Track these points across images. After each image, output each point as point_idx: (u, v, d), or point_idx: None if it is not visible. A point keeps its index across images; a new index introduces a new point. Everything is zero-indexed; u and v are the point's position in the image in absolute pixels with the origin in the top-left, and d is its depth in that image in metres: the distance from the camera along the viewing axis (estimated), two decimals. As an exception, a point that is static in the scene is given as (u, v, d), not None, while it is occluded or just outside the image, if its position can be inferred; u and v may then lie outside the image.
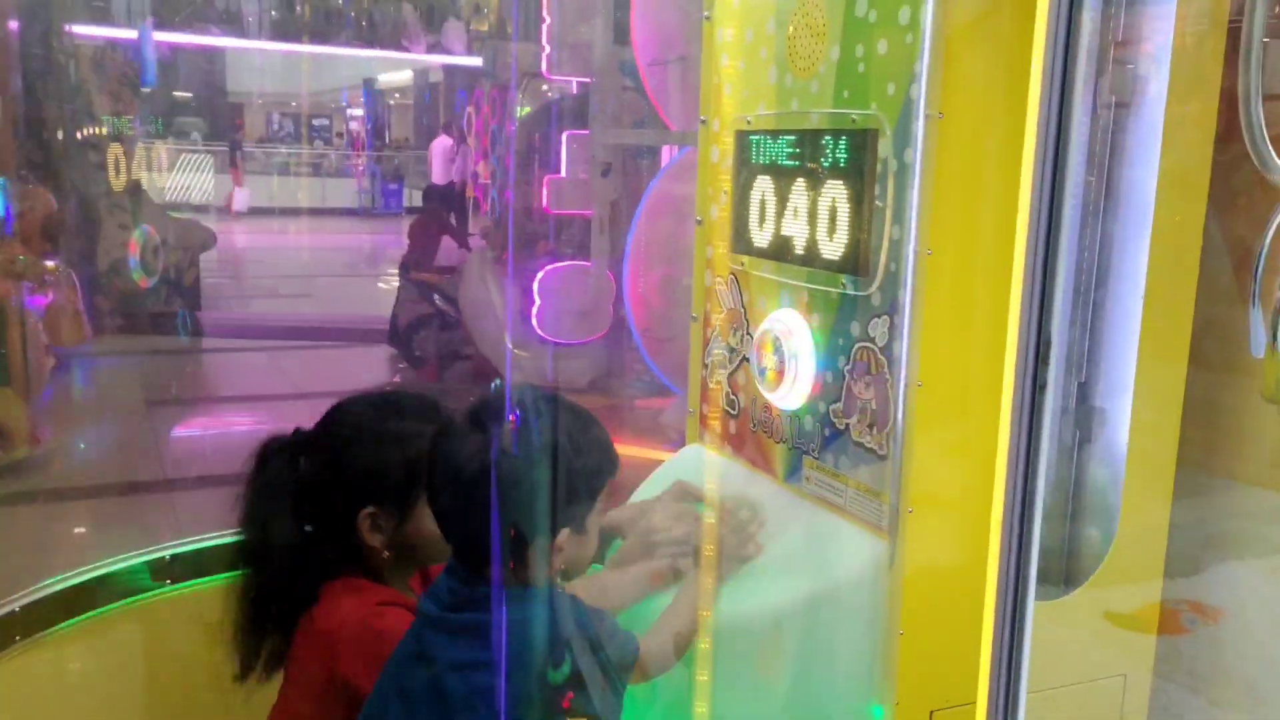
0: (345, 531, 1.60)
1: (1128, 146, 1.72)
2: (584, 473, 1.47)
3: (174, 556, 2.03)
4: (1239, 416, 1.97)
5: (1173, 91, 1.63)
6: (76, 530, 4.74)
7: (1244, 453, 2.02)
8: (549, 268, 3.42)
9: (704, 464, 2.03)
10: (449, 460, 1.41)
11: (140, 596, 1.99)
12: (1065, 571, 1.95)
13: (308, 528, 1.61)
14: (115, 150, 4.08)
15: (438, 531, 1.53)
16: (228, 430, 5.64)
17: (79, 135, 5.78)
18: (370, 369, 7.20)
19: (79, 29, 6.90)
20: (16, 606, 1.83)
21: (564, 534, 1.42)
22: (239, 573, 1.72)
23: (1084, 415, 1.84)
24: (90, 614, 1.93)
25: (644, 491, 2.02)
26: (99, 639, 1.93)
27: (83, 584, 1.93)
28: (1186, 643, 2.01)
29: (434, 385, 6.69)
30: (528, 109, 7.09)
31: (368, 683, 1.47)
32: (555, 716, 1.41)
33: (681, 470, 2.06)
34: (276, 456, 1.64)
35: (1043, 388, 0.85)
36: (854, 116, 1.61)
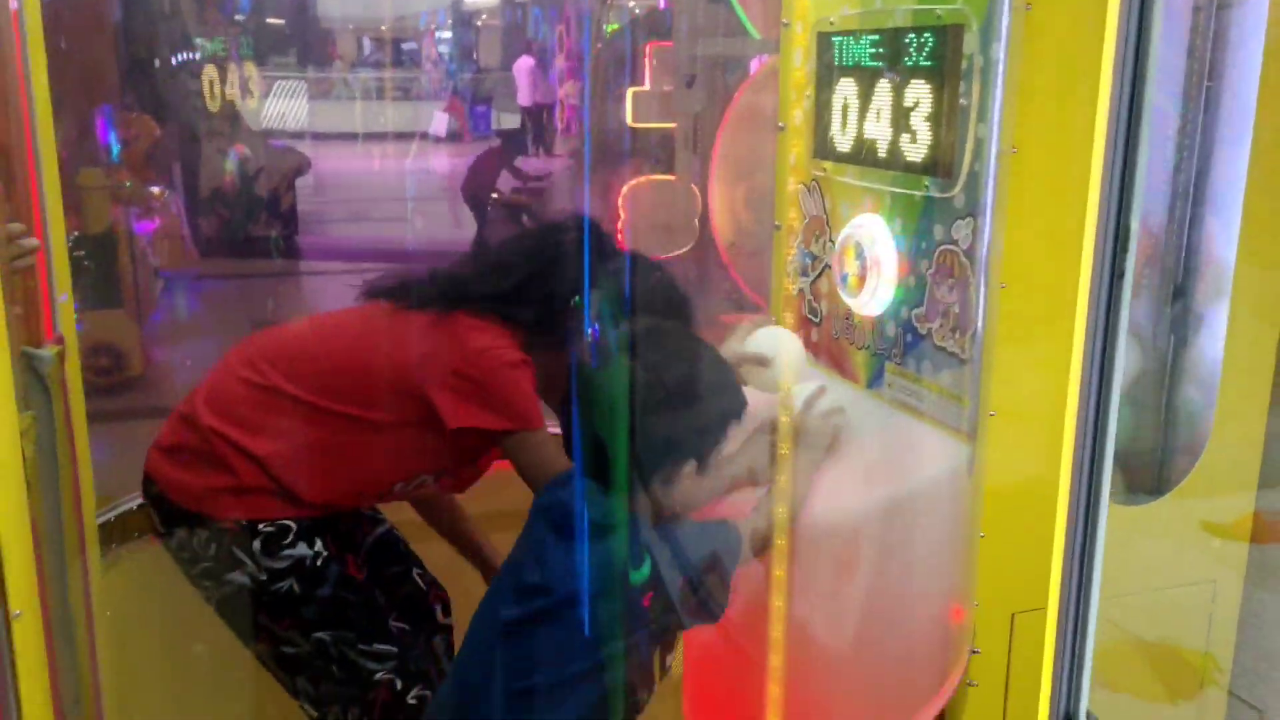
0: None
1: (1229, 47, 1.65)
2: (717, 413, 1.49)
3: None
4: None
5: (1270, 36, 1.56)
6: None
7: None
8: (633, 182, 3.41)
9: (783, 342, 1.99)
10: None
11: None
12: (1155, 478, 1.92)
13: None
14: (210, 74, 4.17)
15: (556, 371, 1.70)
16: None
17: (176, 61, 5.91)
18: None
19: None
20: (112, 515, 1.93)
21: (690, 466, 1.44)
22: None
23: (1179, 319, 1.79)
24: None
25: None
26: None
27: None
28: (1282, 552, 1.96)
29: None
30: (615, 25, 7.01)
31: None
32: (635, 615, 1.44)
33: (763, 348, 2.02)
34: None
35: (1120, 276, 0.84)
36: (939, 12, 1.57)
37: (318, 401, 1.73)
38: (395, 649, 1.80)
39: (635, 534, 1.41)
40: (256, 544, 1.72)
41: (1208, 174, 1.79)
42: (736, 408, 1.52)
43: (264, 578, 1.73)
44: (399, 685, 1.78)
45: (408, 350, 1.73)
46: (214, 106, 4.36)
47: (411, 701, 1.78)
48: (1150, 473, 1.88)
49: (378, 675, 1.77)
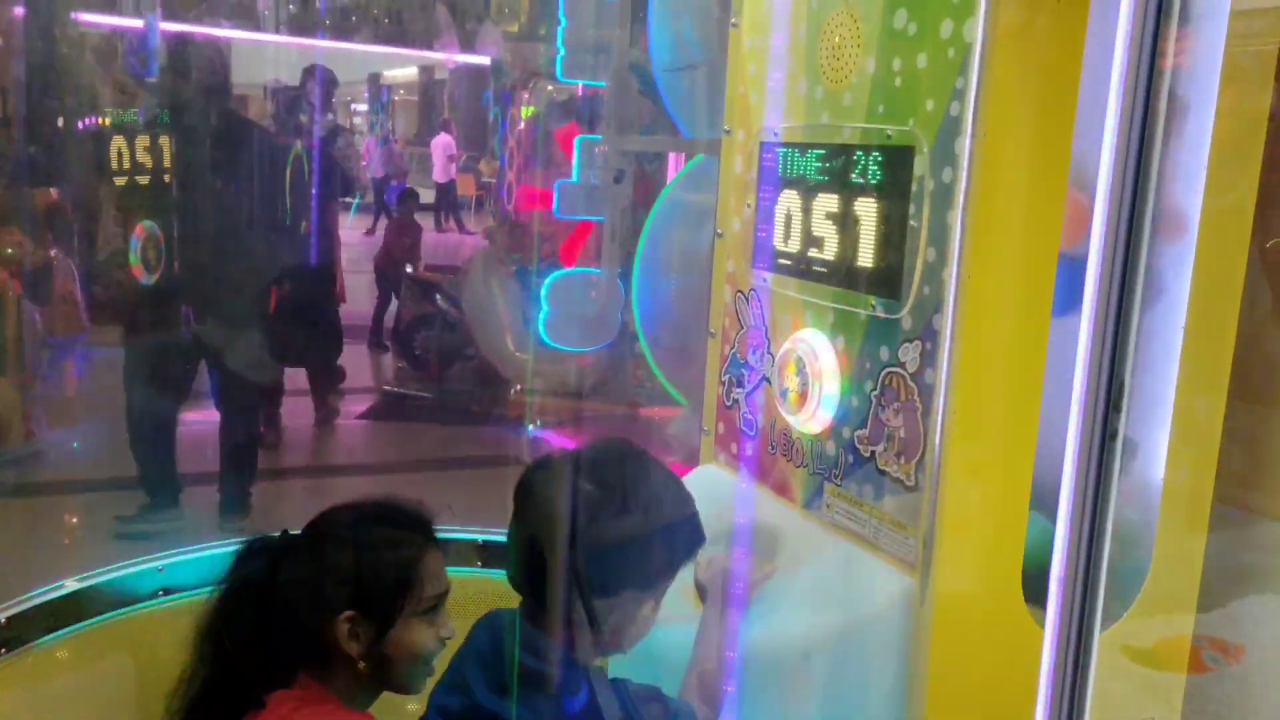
0: (317, 635, 1.50)
1: (1170, 171, 1.66)
2: (678, 547, 1.42)
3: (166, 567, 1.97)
4: (1267, 448, 1.91)
5: (1218, 114, 1.57)
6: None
7: (1267, 484, 1.96)
8: (558, 274, 3.36)
9: (719, 486, 1.97)
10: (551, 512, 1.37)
11: (134, 608, 1.92)
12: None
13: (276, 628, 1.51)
14: (119, 144, 4.01)
15: (418, 648, 1.50)
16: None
17: (81, 125, 5.72)
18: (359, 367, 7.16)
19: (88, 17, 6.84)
20: (3, 618, 1.76)
21: (648, 606, 1.36)
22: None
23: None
24: (80, 625, 1.86)
25: None
26: (89, 652, 1.86)
27: (71, 594, 1.86)
28: (1208, 682, 1.94)
29: (435, 385, 6.62)
30: (532, 109, 7.04)
31: None
32: None
33: (695, 492, 1.99)
34: (257, 557, 1.56)
35: (1113, 436, 0.79)
36: (889, 132, 1.55)
37: None
38: None
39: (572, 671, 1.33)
40: None
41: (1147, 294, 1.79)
42: (698, 541, 1.46)
43: None
44: None
45: None
46: (120, 181, 4.19)
47: None
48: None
49: None
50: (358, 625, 1.48)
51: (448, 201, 14.33)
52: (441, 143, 14.37)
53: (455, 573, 1.59)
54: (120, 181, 4.36)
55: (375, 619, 1.48)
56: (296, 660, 1.51)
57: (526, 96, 7.21)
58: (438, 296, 6.71)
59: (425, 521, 1.58)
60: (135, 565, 1.95)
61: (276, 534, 1.59)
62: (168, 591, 1.95)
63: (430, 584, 1.51)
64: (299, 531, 1.58)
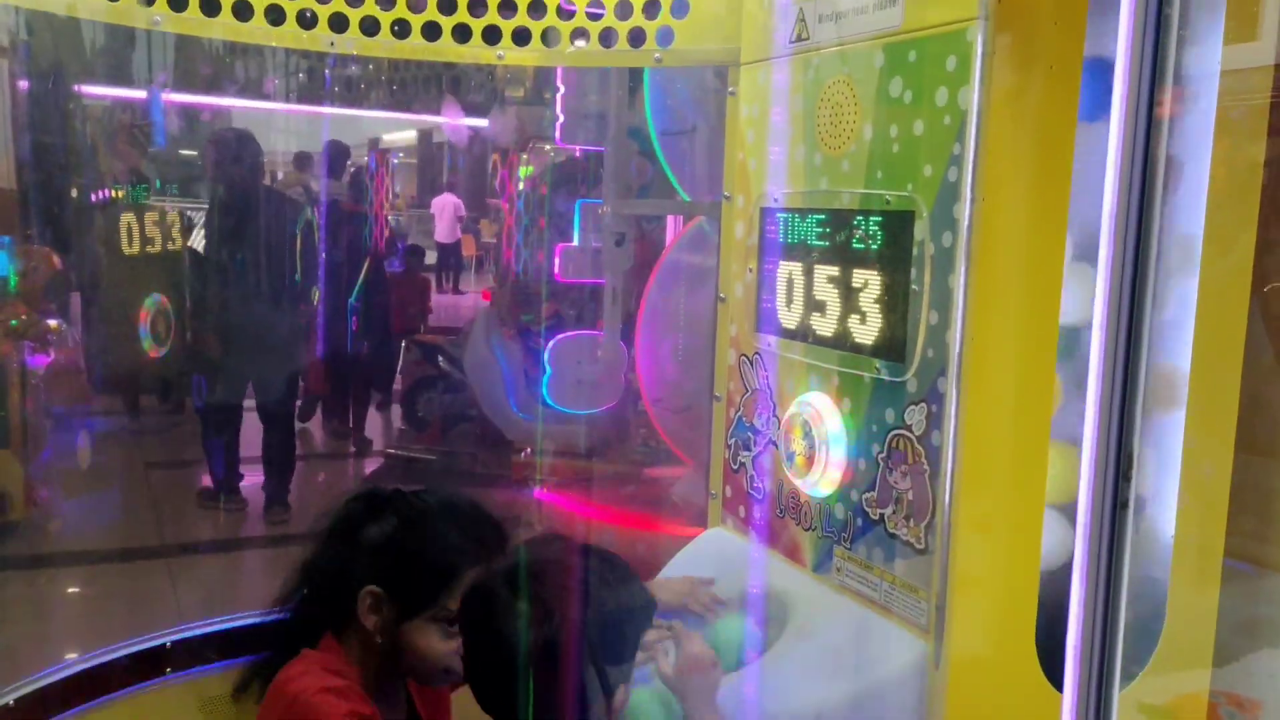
0: (344, 598, 1.56)
1: (1170, 224, 1.67)
2: (633, 628, 1.41)
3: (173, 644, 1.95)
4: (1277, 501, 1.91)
5: (1214, 168, 1.60)
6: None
7: (1278, 538, 1.95)
8: (560, 337, 3.37)
9: (728, 549, 1.96)
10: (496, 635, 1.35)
11: (141, 686, 1.91)
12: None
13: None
14: (129, 219, 4.07)
15: (427, 651, 1.53)
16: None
17: (91, 198, 5.79)
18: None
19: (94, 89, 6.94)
20: (11, 700, 1.75)
21: (620, 691, 1.35)
22: (240, 660, 1.67)
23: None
24: (87, 705, 1.84)
25: (668, 574, 1.96)
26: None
27: (78, 675, 1.84)
28: (1228, 738, 1.92)
29: (438, 447, 6.60)
30: (531, 169, 7.10)
31: None
32: None
33: (705, 555, 1.99)
34: (359, 502, 1.64)
35: (1124, 505, 0.79)
36: (888, 198, 1.57)
37: None
38: None
39: None
40: None
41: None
42: (650, 612, 1.44)
43: None
44: None
45: None
46: (131, 251, 4.24)
47: None
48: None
49: None
50: (381, 603, 1.53)
51: (452, 262, 14.40)
52: (448, 203, 14.45)
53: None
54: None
55: (396, 605, 1.53)
56: (324, 616, 1.58)
57: (526, 158, 7.29)
58: (440, 358, 6.72)
59: (491, 538, 1.59)
60: (141, 643, 1.93)
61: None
62: (174, 669, 1.94)
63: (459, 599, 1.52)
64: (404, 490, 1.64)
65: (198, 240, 4.79)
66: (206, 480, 5.68)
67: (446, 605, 1.52)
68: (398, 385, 7.33)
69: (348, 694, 1.49)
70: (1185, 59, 1.42)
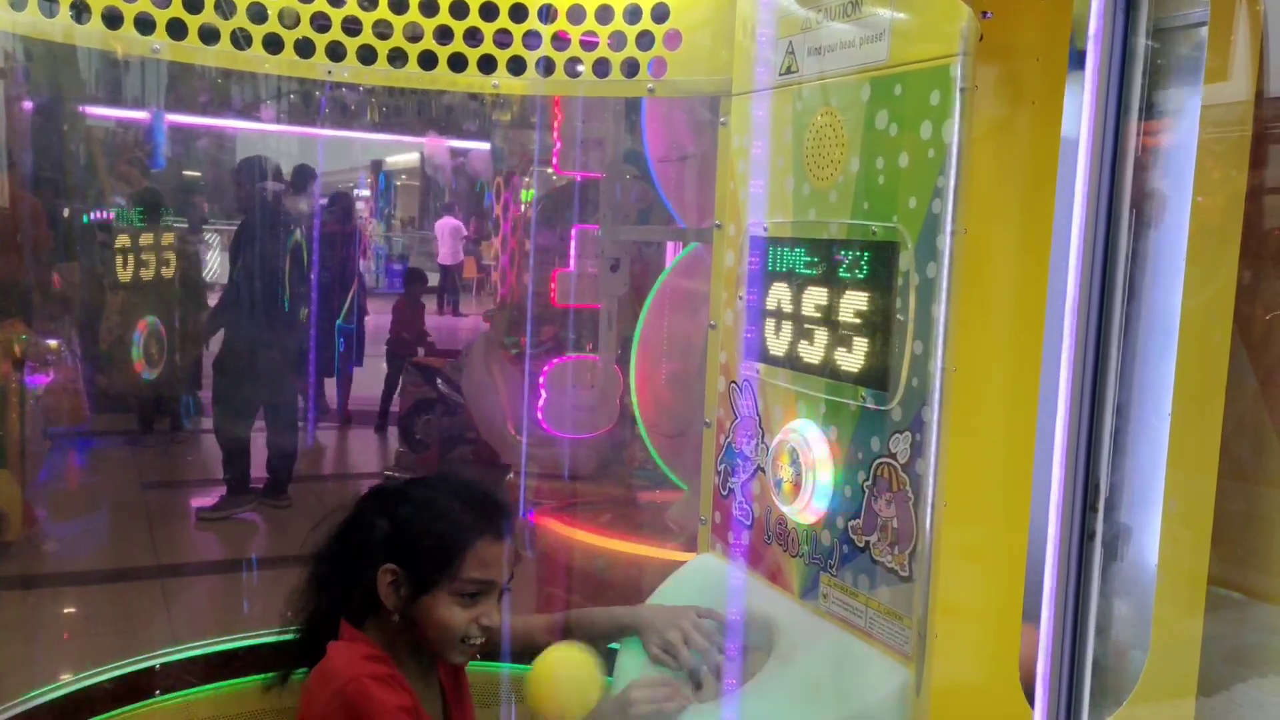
0: (363, 580, 1.65)
1: (1151, 259, 1.69)
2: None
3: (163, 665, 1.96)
4: (1261, 529, 1.92)
5: (1197, 201, 1.62)
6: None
7: (1263, 565, 1.96)
8: (556, 361, 3.39)
9: (716, 575, 1.97)
10: None
11: (132, 707, 1.91)
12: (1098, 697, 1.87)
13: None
14: (124, 242, 4.10)
15: (448, 623, 1.62)
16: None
17: (88, 218, 5.83)
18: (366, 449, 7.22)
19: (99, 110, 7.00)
20: (3, 718, 1.76)
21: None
22: (229, 683, 1.73)
23: (1109, 532, 1.78)
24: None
25: (658, 600, 1.97)
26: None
27: (69, 695, 1.85)
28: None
29: (435, 469, 6.61)
30: (532, 192, 7.14)
31: None
32: None
33: (693, 580, 2.00)
34: (367, 502, 1.75)
35: (1091, 537, 0.80)
36: (874, 228, 1.59)
37: None
38: None
39: None
40: None
41: (1133, 380, 1.81)
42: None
43: None
44: None
45: None
46: (125, 276, 4.28)
47: None
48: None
49: None
50: (399, 581, 1.63)
51: (453, 284, 14.44)
52: (449, 225, 14.49)
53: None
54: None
55: (412, 581, 1.62)
56: (343, 603, 1.67)
57: (527, 182, 7.33)
58: (438, 381, 6.73)
59: (495, 511, 1.70)
60: (133, 663, 1.94)
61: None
62: (165, 690, 1.95)
63: (476, 569, 1.63)
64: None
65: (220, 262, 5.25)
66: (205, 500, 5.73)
67: (460, 576, 1.61)
68: (395, 407, 7.35)
69: (392, 685, 1.58)
70: (1166, 97, 1.45)
